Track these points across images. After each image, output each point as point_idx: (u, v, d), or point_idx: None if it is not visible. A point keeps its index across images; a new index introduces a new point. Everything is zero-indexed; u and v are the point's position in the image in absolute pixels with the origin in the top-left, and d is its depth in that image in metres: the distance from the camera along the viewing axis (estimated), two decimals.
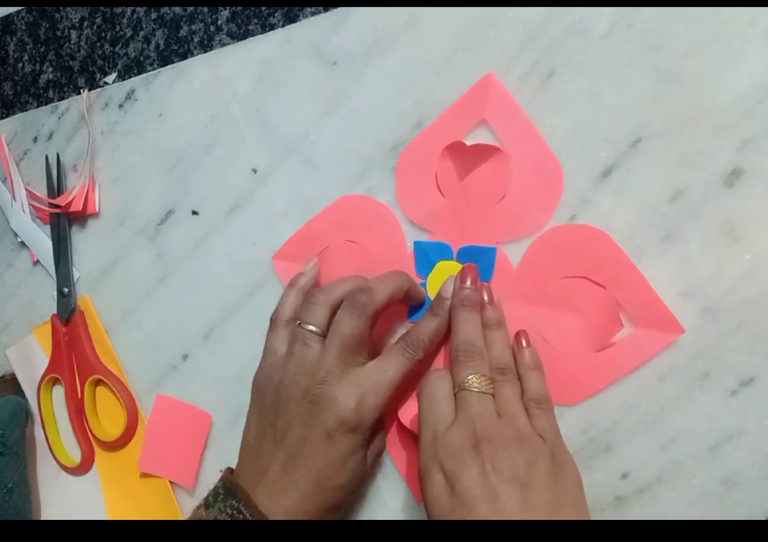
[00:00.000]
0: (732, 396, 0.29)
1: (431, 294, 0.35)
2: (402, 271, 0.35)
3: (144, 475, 0.46)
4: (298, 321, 0.35)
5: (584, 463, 0.32)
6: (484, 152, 0.33)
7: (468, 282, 0.34)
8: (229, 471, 0.37)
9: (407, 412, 0.35)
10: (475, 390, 0.31)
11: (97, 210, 0.48)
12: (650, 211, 0.31)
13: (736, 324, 0.29)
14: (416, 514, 0.36)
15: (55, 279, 0.50)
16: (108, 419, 0.49)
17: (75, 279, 0.50)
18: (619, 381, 0.31)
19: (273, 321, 0.37)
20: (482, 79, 0.34)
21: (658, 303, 0.30)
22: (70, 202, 0.48)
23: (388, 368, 0.33)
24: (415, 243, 0.36)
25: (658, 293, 0.30)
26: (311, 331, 0.34)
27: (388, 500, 0.37)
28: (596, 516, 0.32)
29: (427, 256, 0.36)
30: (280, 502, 0.33)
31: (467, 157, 0.34)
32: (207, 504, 0.34)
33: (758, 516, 0.29)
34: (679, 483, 0.30)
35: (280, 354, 0.35)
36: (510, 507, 0.29)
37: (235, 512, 0.33)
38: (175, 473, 0.45)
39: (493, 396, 0.31)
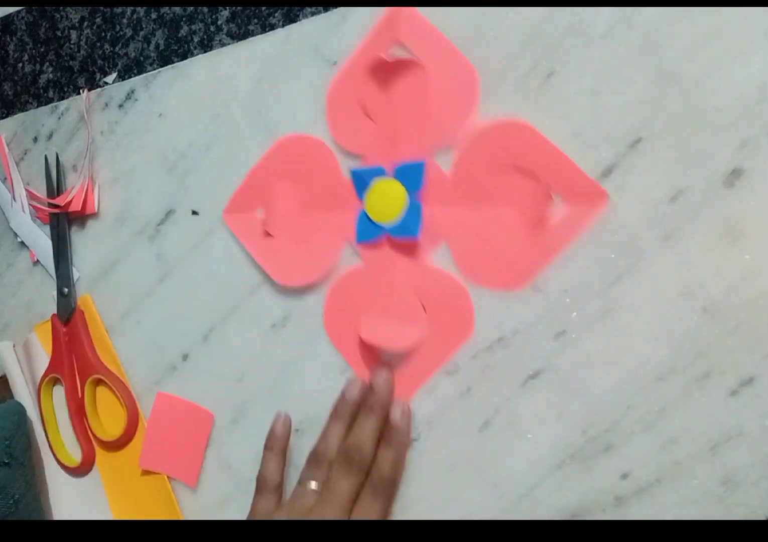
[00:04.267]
0: (732, 396, 0.29)
1: (370, 213, 0.37)
2: (377, 411, 0.36)
3: (145, 474, 0.46)
4: (300, 480, 0.36)
5: (584, 463, 0.32)
6: (403, 68, 0.35)
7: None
8: None
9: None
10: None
11: (96, 210, 0.48)
12: (650, 211, 0.31)
13: (736, 324, 0.29)
14: (417, 514, 0.36)
15: (55, 279, 0.50)
16: (108, 419, 0.49)
17: (75, 280, 0.50)
18: (619, 381, 0.31)
19: (260, 487, 0.38)
20: (390, 10, 0.36)
21: (582, 176, 0.31)
22: (69, 202, 0.48)
23: (372, 513, 0.34)
24: (351, 171, 0.37)
25: (658, 293, 0.30)
26: (314, 490, 0.35)
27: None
28: (596, 516, 0.32)
29: (363, 180, 0.37)
30: None
31: (388, 78, 0.36)
32: None
33: (758, 516, 0.29)
34: (679, 483, 0.30)
35: (267, 515, 0.36)
36: None
37: None
38: (177, 470, 0.45)
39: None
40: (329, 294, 0.39)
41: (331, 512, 0.34)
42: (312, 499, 0.35)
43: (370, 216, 0.37)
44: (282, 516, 0.35)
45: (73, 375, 0.49)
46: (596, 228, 0.32)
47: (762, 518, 0.29)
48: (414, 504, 0.36)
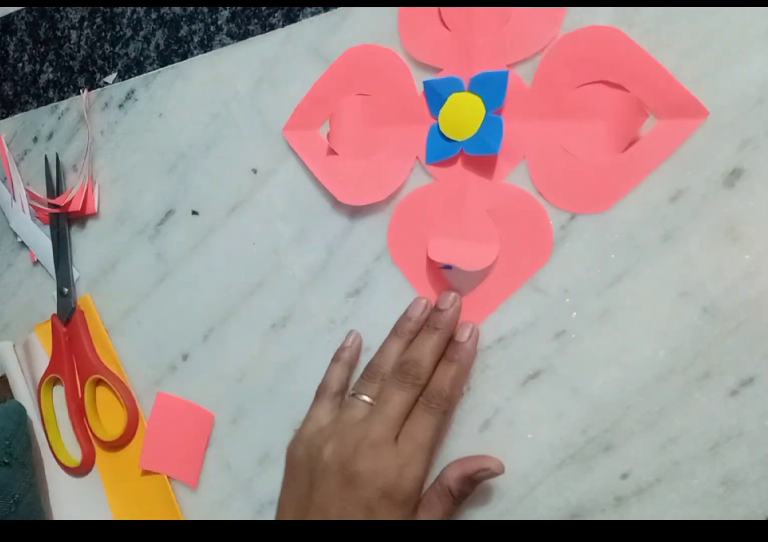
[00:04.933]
0: (732, 396, 0.29)
1: (444, 129, 0.34)
2: (441, 330, 0.34)
3: (145, 474, 0.46)
4: (352, 392, 0.35)
5: (584, 463, 0.32)
6: None
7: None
8: None
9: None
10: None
11: (96, 210, 0.48)
12: (650, 211, 0.31)
13: (736, 324, 0.29)
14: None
15: (55, 279, 0.50)
16: (108, 419, 0.49)
17: (75, 280, 0.50)
18: (619, 381, 0.31)
19: (320, 393, 0.37)
20: None
21: (680, 89, 0.29)
22: (69, 202, 0.48)
23: (418, 432, 0.33)
24: (425, 82, 0.35)
25: (658, 293, 0.30)
26: (365, 402, 0.34)
27: None
28: (596, 516, 0.32)
29: (437, 93, 0.34)
30: None
31: None
32: None
33: (758, 516, 0.29)
34: (679, 483, 0.30)
35: (323, 424, 0.35)
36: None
37: None
38: (177, 470, 0.45)
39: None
40: (395, 212, 0.37)
41: (380, 424, 0.32)
42: (363, 411, 0.34)
43: (443, 131, 0.34)
44: (330, 426, 0.34)
45: (73, 375, 0.49)
46: (596, 227, 0.32)
47: (762, 518, 0.29)
48: None
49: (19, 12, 0.52)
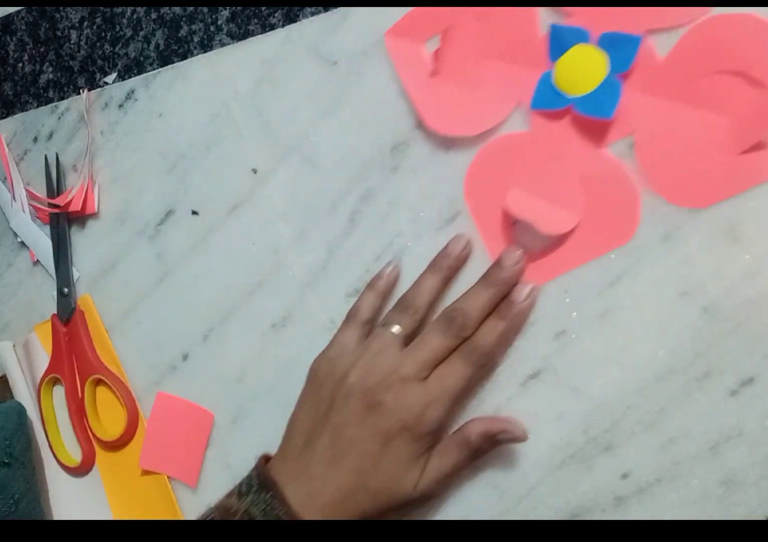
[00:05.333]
0: (732, 396, 0.29)
1: (558, 80, 0.32)
2: (497, 286, 0.33)
3: (145, 474, 0.46)
4: (383, 322, 0.34)
5: (584, 463, 0.32)
6: None
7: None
8: (264, 460, 0.36)
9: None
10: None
11: (96, 210, 0.48)
12: (650, 211, 0.31)
13: (736, 324, 0.29)
14: (417, 514, 0.36)
15: (54, 279, 0.50)
16: (108, 419, 0.49)
17: (75, 280, 0.50)
18: (619, 381, 0.31)
19: (350, 317, 0.36)
20: None
21: None
22: (69, 202, 0.48)
23: (450, 377, 0.32)
24: (552, 26, 0.32)
25: (658, 293, 0.30)
26: (395, 334, 0.33)
27: None
28: (596, 516, 0.32)
29: (562, 40, 0.32)
30: (318, 500, 0.32)
31: None
32: (240, 493, 0.34)
33: (758, 516, 0.29)
34: (679, 483, 0.30)
35: (350, 348, 0.35)
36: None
37: (268, 508, 0.32)
38: (177, 470, 0.45)
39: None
40: (480, 154, 0.34)
41: (413, 362, 0.32)
42: (392, 342, 0.33)
43: (557, 83, 0.32)
44: (357, 352, 0.34)
45: (73, 375, 0.49)
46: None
47: (762, 518, 0.29)
48: None
49: (19, 12, 0.52)
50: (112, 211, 0.48)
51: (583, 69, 0.31)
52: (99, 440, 0.48)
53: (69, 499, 0.49)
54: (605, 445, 0.32)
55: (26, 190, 0.52)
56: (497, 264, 0.33)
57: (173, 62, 0.44)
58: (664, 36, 0.30)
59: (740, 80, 0.29)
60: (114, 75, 0.47)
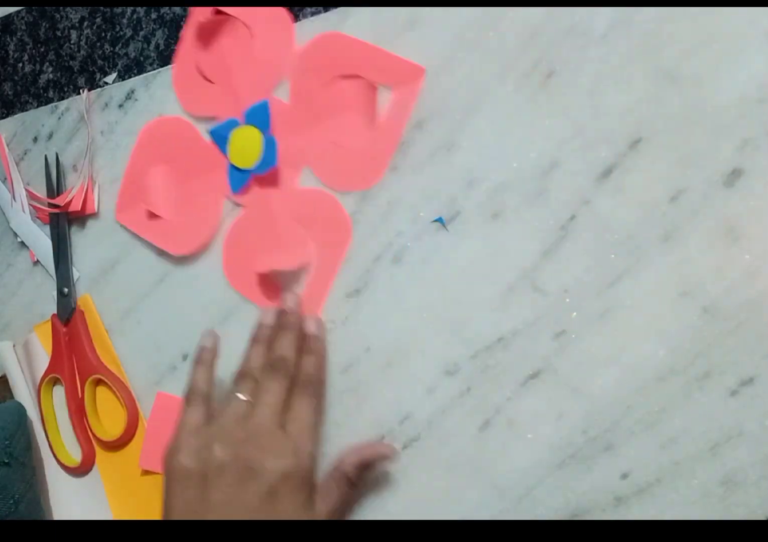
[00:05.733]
0: (732, 396, 0.29)
1: (236, 163, 0.40)
2: (293, 327, 0.38)
3: (145, 474, 0.46)
4: (229, 393, 0.36)
5: (584, 463, 0.32)
6: (222, 26, 0.40)
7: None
8: None
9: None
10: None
11: (96, 210, 0.48)
12: (650, 211, 0.31)
13: (736, 324, 0.29)
14: (417, 514, 0.36)
15: (54, 279, 0.50)
16: (108, 419, 0.48)
17: (75, 280, 0.50)
18: (619, 381, 0.31)
19: (190, 397, 0.37)
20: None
21: (399, 60, 0.35)
22: (69, 202, 0.48)
23: (301, 413, 0.35)
24: (209, 131, 0.41)
25: (658, 293, 0.30)
26: (244, 400, 0.36)
27: (388, 500, 0.37)
28: (596, 516, 0.32)
29: (222, 136, 0.41)
30: None
31: (213, 39, 0.41)
32: None
33: (758, 516, 0.29)
34: (679, 483, 0.30)
35: (200, 427, 0.36)
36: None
37: None
38: None
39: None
40: (224, 248, 0.42)
41: (265, 414, 0.35)
42: (243, 407, 0.35)
43: (236, 165, 0.40)
44: (214, 425, 0.35)
45: (73, 375, 0.49)
46: (596, 227, 0.32)
47: (762, 518, 0.29)
48: (414, 504, 0.36)
49: (19, 12, 0.52)
50: (112, 211, 0.48)
51: (246, 144, 0.40)
52: (99, 440, 0.48)
53: (69, 499, 0.49)
54: (605, 445, 0.32)
55: (26, 189, 0.52)
56: (283, 312, 0.38)
57: (173, 62, 0.44)
58: (282, 87, 0.39)
59: (343, 80, 0.37)
60: (114, 75, 0.47)
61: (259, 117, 0.39)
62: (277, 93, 0.39)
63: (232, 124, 0.40)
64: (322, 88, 0.37)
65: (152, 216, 0.44)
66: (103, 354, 0.48)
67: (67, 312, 0.49)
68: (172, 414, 0.45)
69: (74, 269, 0.50)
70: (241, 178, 0.40)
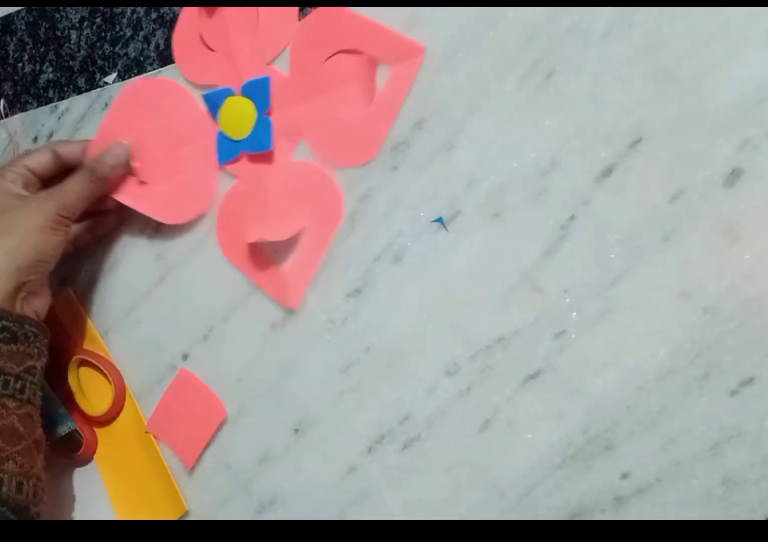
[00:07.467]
0: (732, 396, 0.29)
1: (225, 131, 0.40)
2: None
3: (139, 448, 0.46)
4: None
5: (584, 463, 0.32)
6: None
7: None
8: None
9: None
10: None
11: None
12: (650, 211, 0.31)
13: (736, 324, 0.29)
14: (417, 514, 0.36)
15: None
16: (96, 395, 0.49)
17: None
18: (619, 381, 0.31)
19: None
20: None
21: (399, 38, 0.35)
22: None
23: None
24: (204, 96, 0.41)
25: (658, 293, 0.30)
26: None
27: (388, 500, 0.37)
28: (596, 516, 0.32)
29: (215, 102, 0.41)
30: None
31: (217, 8, 0.40)
32: None
33: (758, 516, 0.29)
34: (679, 483, 0.30)
35: None
36: None
37: None
38: (178, 446, 0.45)
39: None
40: (218, 217, 0.42)
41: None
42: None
43: (226, 133, 0.40)
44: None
45: (56, 363, 0.49)
46: (596, 227, 0.32)
47: (762, 518, 0.29)
48: (414, 504, 0.36)
49: (19, 12, 0.52)
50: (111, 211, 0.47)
51: (239, 116, 0.40)
52: (90, 418, 0.48)
53: (69, 499, 0.49)
54: (605, 445, 0.32)
55: None
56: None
57: (173, 62, 0.44)
58: (281, 58, 0.39)
59: (343, 55, 0.37)
60: (114, 75, 0.47)
61: (259, 92, 0.39)
62: (277, 63, 0.39)
63: (227, 93, 0.40)
64: (322, 62, 0.37)
65: (137, 182, 0.44)
66: (88, 340, 0.49)
67: None
68: (190, 393, 0.45)
69: None
70: (230, 149, 0.40)
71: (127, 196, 0.44)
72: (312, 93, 0.38)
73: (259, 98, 0.39)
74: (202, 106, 0.41)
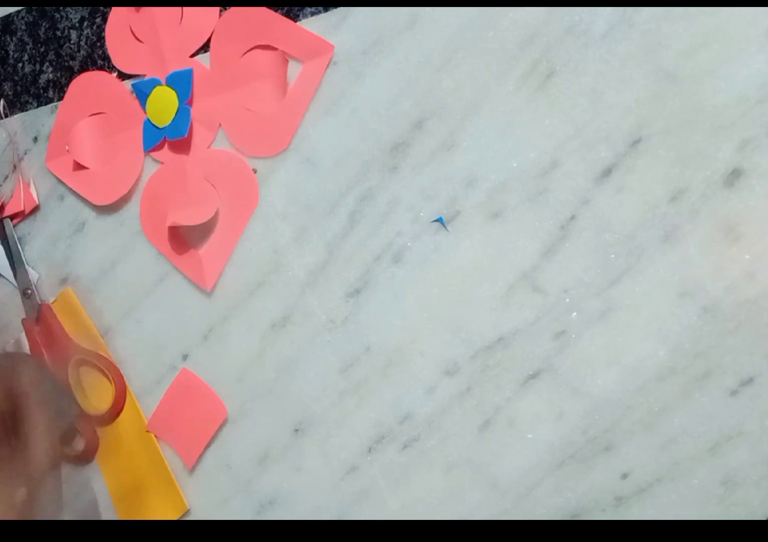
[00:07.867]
0: (732, 396, 0.29)
1: (152, 119, 0.43)
2: None
3: (139, 446, 0.46)
4: None
5: (584, 463, 0.32)
6: None
7: None
8: None
9: None
10: None
11: (37, 202, 0.50)
12: (650, 211, 0.31)
13: (736, 324, 0.29)
14: (417, 514, 0.36)
15: (16, 284, 0.51)
16: (97, 395, 0.49)
17: (35, 280, 0.50)
18: (619, 381, 0.31)
19: None
20: None
21: (311, 36, 0.37)
22: (3, 207, 0.50)
23: None
24: (132, 85, 0.44)
25: (658, 293, 0.30)
26: None
27: (388, 500, 0.37)
28: (596, 516, 0.32)
29: (143, 91, 0.43)
30: None
31: (142, 5, 0.43)
32: None
33: (758, 516, 0.29)
34: (679, 483, 0.30)
35: None
36: None
37: None
38: (179, 445, 0.45)
39: None
40: (142, 201, 0.45)
41: None
42: None
43: (152, 121, 0.43)
44: None
45: (56, 364, 0.49)
46: (596, 227, 0.32)
47: (762, 518, 0.29)
48: (414, 504, 0.36)
49: (19, 12, 0.52)
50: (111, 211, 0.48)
51: (163, 104, 0.42)
52: (91, 418, 0.48)
53: (69, 499, 0.49)
54: (605, 445, 0.32)
55: None
56: None
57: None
58: (203, 55, 0.41)
59: (259, 51, 0.39)
60: (114, 75, 0.47)
61: (181, 83, 0.41)
62: (200, 57, 0.42)
63: (153, 82, 0.43)
64: (240, 56, 0.40)
65: (78, 166, 0.47)
66: (88, 340, 0.49)
67: (35, 311, 0.50)
68: (191, 393, 0.45)
69: (30, 268, 0.50)
70: (154, 136, 0.43)
71: (69, 178, 0.48)
72: (229, 85, 0.40)
73: (181, 88, 0.41)
74: (132, 94, 0.44)
